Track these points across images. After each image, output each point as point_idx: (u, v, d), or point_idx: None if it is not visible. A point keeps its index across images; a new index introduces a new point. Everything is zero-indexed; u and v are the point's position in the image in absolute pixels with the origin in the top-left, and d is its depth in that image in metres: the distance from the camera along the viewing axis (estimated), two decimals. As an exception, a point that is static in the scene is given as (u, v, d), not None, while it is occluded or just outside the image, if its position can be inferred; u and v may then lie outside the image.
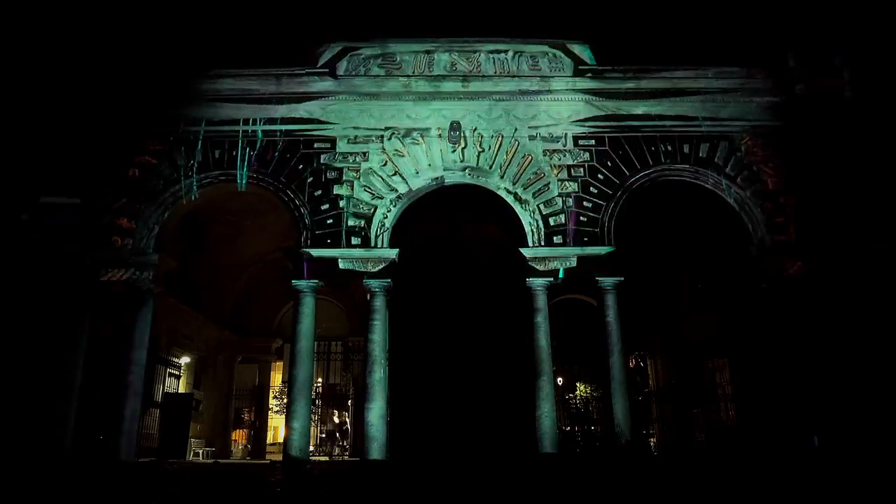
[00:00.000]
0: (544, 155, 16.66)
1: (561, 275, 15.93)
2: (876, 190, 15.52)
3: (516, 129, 16.79)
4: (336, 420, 29.41)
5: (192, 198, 16.27)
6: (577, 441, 22.29)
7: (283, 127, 16.46)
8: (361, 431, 16.52)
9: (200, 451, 20.76)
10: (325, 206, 16.28)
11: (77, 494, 9.71)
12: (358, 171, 16.42)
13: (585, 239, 16.01)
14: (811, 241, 15.67)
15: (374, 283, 15.78)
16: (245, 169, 16.37)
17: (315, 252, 15.86)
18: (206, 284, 21.90)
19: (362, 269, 15.82)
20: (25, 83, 15.73)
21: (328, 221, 16.17)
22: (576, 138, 16.67)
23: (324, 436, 28.45)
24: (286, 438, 15.27)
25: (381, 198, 16.26)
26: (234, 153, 16.47)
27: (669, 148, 16.64)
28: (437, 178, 16.66)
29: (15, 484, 10.52)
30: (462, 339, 20.85)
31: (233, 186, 16.57)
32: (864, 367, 14.39)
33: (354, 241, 16.03)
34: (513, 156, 16.63)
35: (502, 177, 16.55)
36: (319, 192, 16.36)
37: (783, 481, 10.14)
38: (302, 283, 15.78)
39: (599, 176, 16.48)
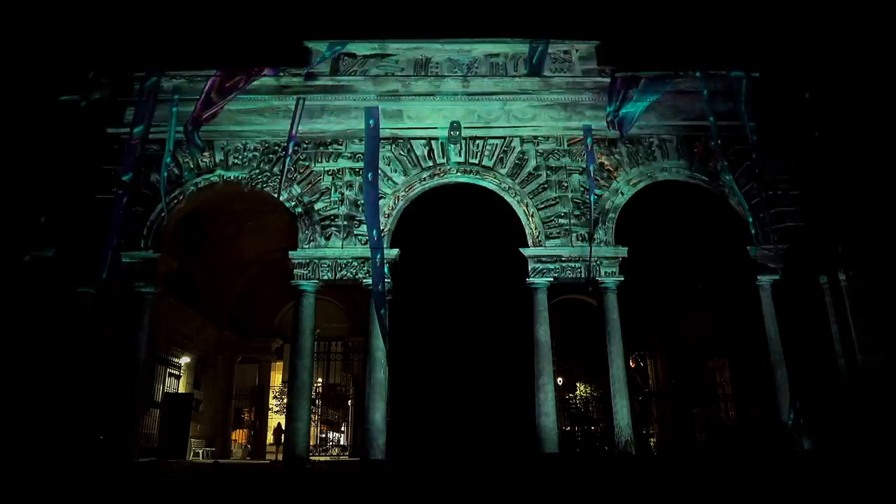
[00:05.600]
0: (543, 155, 16.66)
1: (560, 275, 15.92)
2: (878, 190, 15.50)
3: (516, 129, 16.79)
4: (336, 420, 29.39)
5: (193, 198, 16.28)
6: (577, 441, 22.26)
7: (283, 127, 16.41)
8: (361, 431, 16.52)
9: (200, 451, 20.75)
10: (326, 206, 16.27)
11: (77, 494, 9.71)
12: (359, 171, 16.40)
13: (585, 239, 16.00)
14: (811, 241, 15.71)
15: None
16: (249, 168, 16.40)
17: (315, 252, 15.86)
18: (205, 284, 21.89)
19: (362, 269, 15.80)
20: (27, 79, 15.72)
21: (329, 221, 16.17)
22: (576, 138, 16.64)
23: (324, 436, 28.44)
24: (286, 438, 15.26)
25: (382, 197, 16.23)
26: (235, 153, 16.49)
27: (669, 148, 16.65)
28: (437, 178, 16.66)
29: (16, 484, 10.52)
30: (462, 338, 20.81)
31: (233, 187, 16.58)
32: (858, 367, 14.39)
33: (355, 241, 16.02)
34: (512, 156, 16.65)
35: (502, 176, 16.56)
36: (320, 191, 16.37)
37: (783, 481, 10.14)
38: (302, 283, 15.78)
39: (599, 176, 16.47)
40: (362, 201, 16.11)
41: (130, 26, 18.06)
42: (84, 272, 15.28)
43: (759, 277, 15.75)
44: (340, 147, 16.70)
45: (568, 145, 16.72)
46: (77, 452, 14.24)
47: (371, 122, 15.86)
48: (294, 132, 15.96)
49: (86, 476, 11.79)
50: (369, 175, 15.44)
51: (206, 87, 15.81)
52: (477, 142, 16.72)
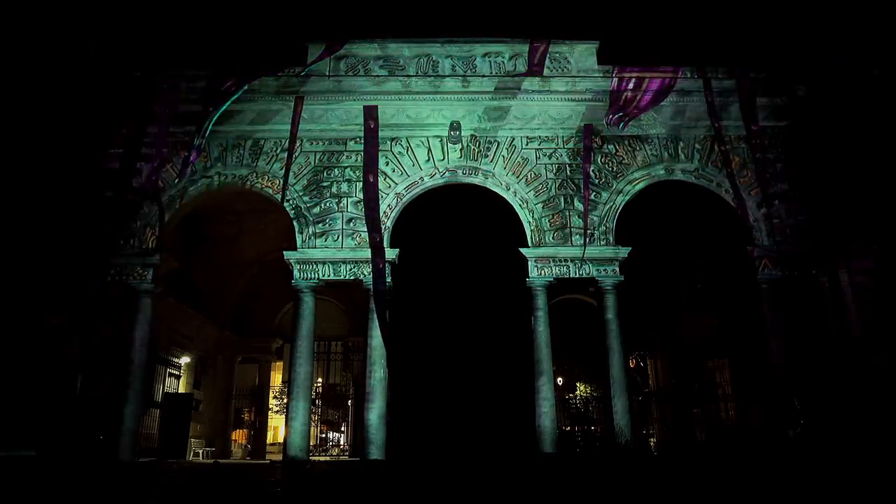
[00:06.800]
0: (544, 155, 16.66)
1: (560, 275, 15.91)
2: (879, 191, 15.49)
3: (516, 129, 16.79)
4: (336, 420, 29.40)
5: (193, 198, 16.25)
6: (577, 441, 22.22)
7: (283, 126, 16.40)
8: (361, 431, 16.52)
9: (200, 451, 20.76)
10: (326, 206, 16.28)
11: (77, 494, 9.72)
12: (359, 169, 16.40)
13: (585, 239, 15.99)
14: (811, 241, 15.73)
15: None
16: (247, 168, 16.42)
17: (315, 252, 15.86)
18: (206, 284, 21.89)
19: (361, 269, 15.80)
20: (29, 74, 15.70)
21: (328, 221, 16.17)
22: (575, 138, 16.62)
23: (324, 436, 28.46)
24: (286, 438, 15.27)
25: (382, 197, 16.23)
26: (235, 153, 16.50)
27: (670, 147, 16.65)
28: (437, 178, 16.66)
29: (15, 484, 10.53)
30: (462, 338, 20.82)
31: (234, 186, 16.58)
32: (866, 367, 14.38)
33: (355, 241, 16.02)
34: (512, 155, 16.65)
35: (502, 176, 16.56)
36: (319, 191, 16.37)
37: (782, 481, 10.14)
38: (302, 283, 15.78)
39: (600, 176, 16.47)
40: (361, 201, 16.12)
41: (130, 25, 18.05)
42: (84, 272, 15.29)
43: (759, 277, 15.74)
44: (340, 146, 16.70)
45: (568, 145, 16.69)
46: (77, 452, 14.25)
47: (371, 121, 15.87)
48: (295, 133, 15.95)
49: (86, 476, 11.79)
50: (370, 177, 15.45)
51: (208, 87, 15.77)
52: (477, 141, 16.72)
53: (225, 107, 15.61)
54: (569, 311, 22.59)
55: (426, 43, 17.24)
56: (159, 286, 16.11)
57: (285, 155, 16.26)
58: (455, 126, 16.61)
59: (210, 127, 15.50)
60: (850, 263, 15.17)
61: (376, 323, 15.61)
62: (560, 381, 24.75)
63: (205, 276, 21.60)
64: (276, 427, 28.32)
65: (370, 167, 15.66)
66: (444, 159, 16.64)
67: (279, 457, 18.06)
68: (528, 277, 15.98)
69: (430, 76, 16.89)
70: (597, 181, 16.42)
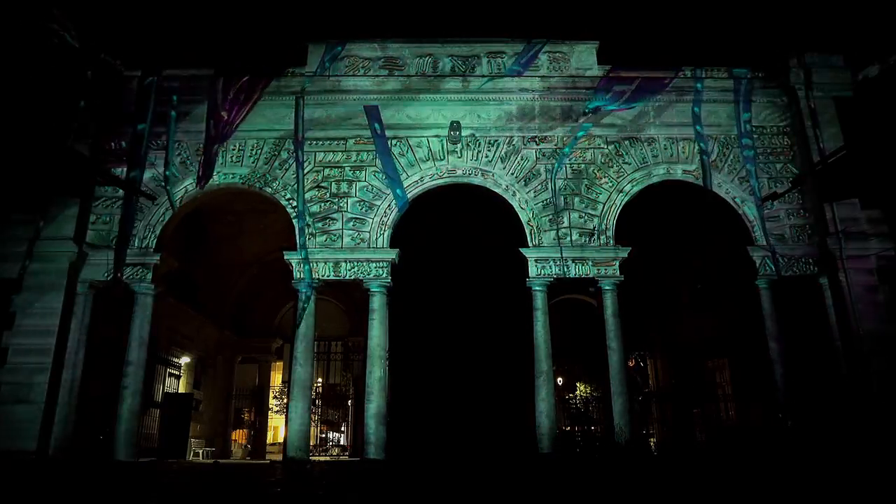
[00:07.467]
0: (543, 154, 16.66)
1: (560, 274, 15.91)
2: (879, 190, 15.49)
3: (516, 129, 16.79)
4: (336, 420, 29.43)
5: (193, 197, 16.25)
6: (576, 441, 22.28)
7: (284, 126, 16.40)
8: (361, 431, 16.53)
9: (200, 451, 20.78)
10: (326, 206, 16.27)
11: (77, 495, 9.72)
12: (359, 169, 16.41)
13: (585, 239, 16.00)
14: (811, 242, 15.75)
15: (373, 283, 15.78)
16: (247, 168, 16.42)
17: (315, 252, 15.86)
18: (206, 284, 21.90)
19: (362, 269, 15.81)
20: (24, 78, 15.69)
21: (328, 221, 16.17)
22: (576, 138, 16.60)
23: (324, 436, 28.48)
24: (286, 438, 15.27)
25: (382, 197, 16.25)
26: (236, 152, 16.49)
27: (671, 148, 16.65)
28: (436, 178, 16.65)
29: (15, 484, 10.53)
30: (461, 339, 20.84)
31: (234, 186, 16.58)
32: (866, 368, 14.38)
33: (355, 241, 16.03)
34: (512, 155, 16.64)
35: (502, 176, 16.55)
36: (319, 191, 16.36)
37: (782, 481, 10.15)
38: (301, 283, 15.77)
39: (600, 176, 16.47)
40: (361, 201, 16.14)
41: (131, 25, 18.06)
42: (85, 272, 15.29)
43: (758, 278, 15.75)
44: (340, 146, 16.70)
45: (568, 144, 16.66)
46: (77, 452, 14.26)
47: (373, 120, 15.90)
48: (300, 136, 15.89)
49: (85, 476, 11.80)
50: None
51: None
52: (477, 142, 16.71)
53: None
54: (569, 311, 22.61)
55: (426, 43, 17.26)
56: (159, 286, 16.11)
57: (285, 154, 16.31)
58: (455, 126, 16.60)
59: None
60: (850, 263, 15.17)
61: (376, 322, 15.63)
62: (560, 381, 24.79)
63: (205, 276, 21.60)
64: (276, 427, 28.34)
65: (372, 167, 15.49)
66: (444, 159, 16.63)
67: (279, 457, 18.07)
68: (528, 277, 15.97)
69: (430, 76, 16.90)
70: (597, 181, 16.43)
